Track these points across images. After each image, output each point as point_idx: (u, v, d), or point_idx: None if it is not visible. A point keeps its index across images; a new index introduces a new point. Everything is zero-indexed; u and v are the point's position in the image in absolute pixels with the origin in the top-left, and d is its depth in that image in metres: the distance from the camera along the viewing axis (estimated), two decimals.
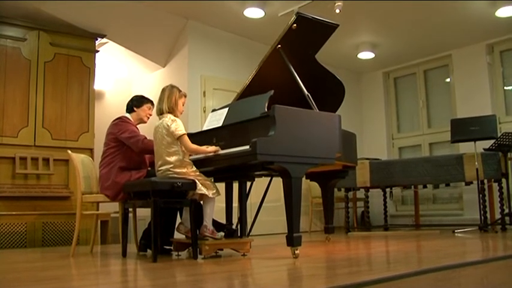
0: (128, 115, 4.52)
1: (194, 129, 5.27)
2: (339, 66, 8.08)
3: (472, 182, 6.14)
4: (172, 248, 4.21)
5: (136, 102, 4.58)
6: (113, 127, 4.39)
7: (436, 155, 7.61)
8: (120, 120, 4.41)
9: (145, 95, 4.72)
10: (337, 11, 5.90)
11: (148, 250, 4.30)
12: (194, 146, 3.82)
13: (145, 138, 4.26)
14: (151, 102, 4.63)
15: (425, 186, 6.95)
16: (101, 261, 4.04)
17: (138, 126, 4.53)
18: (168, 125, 3.80)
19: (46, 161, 5.85)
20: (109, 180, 4.21)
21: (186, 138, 3.81)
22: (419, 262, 3.38)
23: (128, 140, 4.25)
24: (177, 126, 3.80)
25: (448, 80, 8.23)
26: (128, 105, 4.59)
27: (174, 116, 3.90)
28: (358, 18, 6.76)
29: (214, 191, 3.85)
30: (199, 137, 4.18)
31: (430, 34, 7.29)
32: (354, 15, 6.52)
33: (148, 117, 4.62)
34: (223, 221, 4.30)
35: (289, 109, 3.59)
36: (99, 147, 4.81)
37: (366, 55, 8.00)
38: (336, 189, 6.21)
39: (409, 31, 7.22)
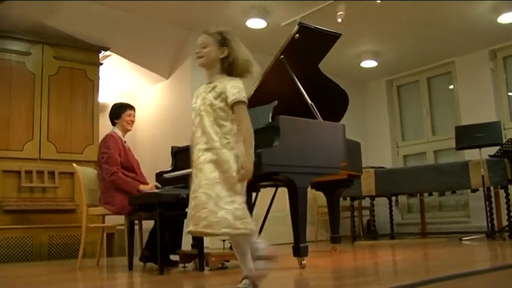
0: (115, 130, 4.54)
1: None
2: (341, 75, 8.06)
3: (478, 189, 6.10)
4: (178, 259, 4.20)
5: (114, 114, 4.60)
6: (99, 145, 4.45)
7: (441, 163, 7.61)
8: (103, 139, 4.45)
9: (127, 103, 4.73)
10: (339, 20, 5.91)
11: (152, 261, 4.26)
12: None
13: (117, 172, 4.24)
14: (130, 107, 4.64)
15: (431, 194, 6.92)
16: (107, 274, 4.03)
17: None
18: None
19: (51, 174, 5.85)
20: (108, 193, 4.22)
21: None
22: (427, 271, 3.36)
23: (101, 165, 4.31)
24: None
25: (451, 87, 8.23)
26: (110, 120, 4.62)
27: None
28: (360, 27, 6.77)
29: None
30: None
31: (432, 41, 7.30)
32: (356, 24, 6.53)
33: (130, 123, 4.61)
34: None
35: (293, 119, 3.59)
36: None
37: (368, 63, 8.01)
38: (341, 198, 6.20)
39: (412, 39, 7.23)
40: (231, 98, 2.49)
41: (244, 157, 2.47)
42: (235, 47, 2.61)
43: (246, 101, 2.53)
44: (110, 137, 4.43)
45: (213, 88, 2.56)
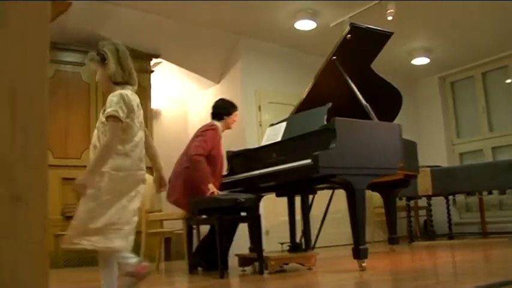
0: (217, 123, 4.47)
1: (251, 145, 5.32)
2: (392, 73, 7.91)
3: None
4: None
5: (227, 110, 4.53)
6: (200, 129, 4.42)
7: (500, 160, 7.34)
8: (206, 128, 4.40)
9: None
10: (390, 18, 5.81)
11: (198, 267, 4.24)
12: None
13: (203, 155, 4.17)
14: (237, 108, 4.64)
15: (490, 193, 6.71)
16: (168, 278, 4.11)
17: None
18: None
19: None
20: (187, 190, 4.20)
21: None
22: (490, 274, 3.25)
23: (191, 144, 4.27)
24: None
25: (508, 81, 7.96)
26: (215, 112, 4.55)
27: None
28: (411, 24, 6.63)
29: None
30: (258, 152, 4.19)
31: (486, 35, 7.07)
32: (406, 21, 6.40)
33: (233, 123, 4.60)
34: (286, 234, 4.28)
35: (349, 121, 3.56)
36: None
37: (420, 61, 7.84)
38: (397, 198, 6.09)
39: (465, 33, 7.03)
40: (106, 113, 2.47)
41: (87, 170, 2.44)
42: (110, 57, 2.58)
43: (118, 113, 2.45)
44: (213, 129, 4.37)
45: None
